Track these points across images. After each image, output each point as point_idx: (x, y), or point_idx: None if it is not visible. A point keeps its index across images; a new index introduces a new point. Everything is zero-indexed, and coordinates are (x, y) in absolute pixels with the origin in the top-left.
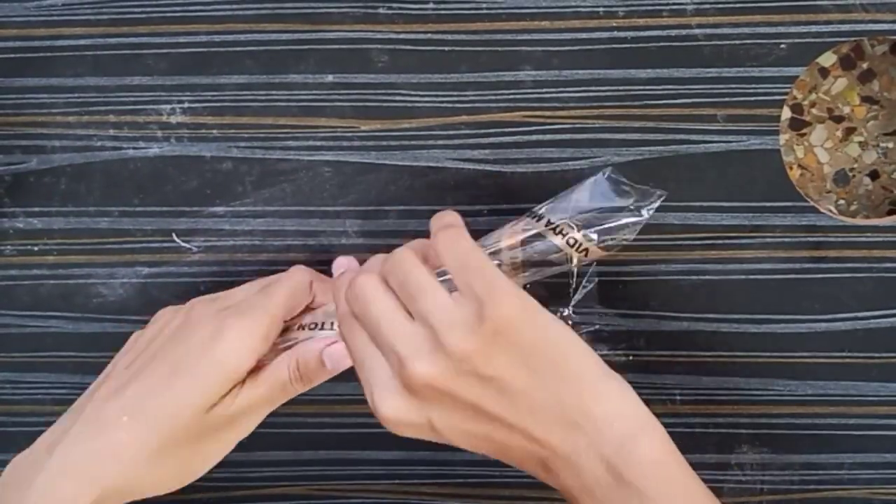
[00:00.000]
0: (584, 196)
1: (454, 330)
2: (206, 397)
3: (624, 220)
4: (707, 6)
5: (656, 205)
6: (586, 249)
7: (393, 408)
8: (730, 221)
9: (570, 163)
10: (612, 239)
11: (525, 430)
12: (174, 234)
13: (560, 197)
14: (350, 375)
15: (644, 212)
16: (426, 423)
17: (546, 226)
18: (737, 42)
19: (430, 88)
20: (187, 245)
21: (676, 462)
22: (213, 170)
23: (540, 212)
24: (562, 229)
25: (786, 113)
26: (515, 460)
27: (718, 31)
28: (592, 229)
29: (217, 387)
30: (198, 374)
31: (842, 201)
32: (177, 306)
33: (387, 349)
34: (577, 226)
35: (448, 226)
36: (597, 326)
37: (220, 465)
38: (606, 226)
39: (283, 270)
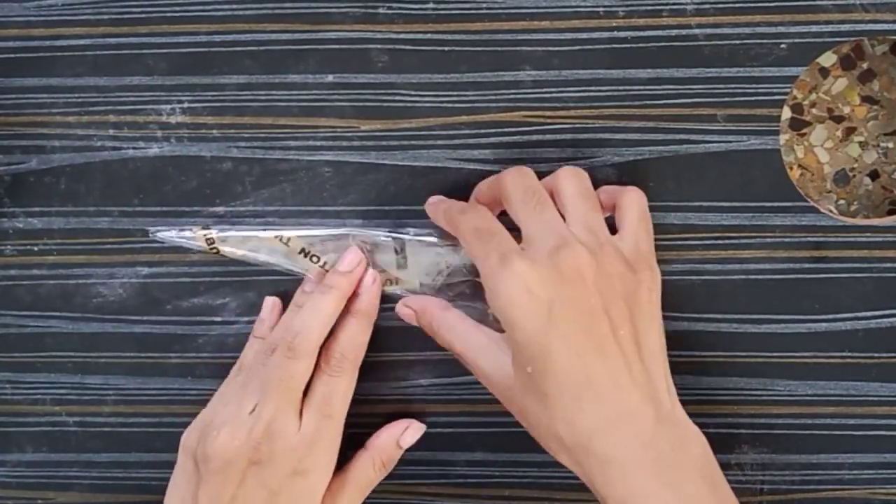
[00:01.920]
0: None
1: (612, 243)
2: None
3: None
4: (707, 6)
5: None
6: None
7: (524, 268)
8: (730, 221)
9: (570, 163)
10: None
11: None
12: (175, 231)
13: None
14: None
15: None
16: (546, 301)
17: None
18: (737, 42)
19: (430, 88)
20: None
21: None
22: (213, 170)
23: None
24: None
25: (786, 113)
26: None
27: (718, 30)
28: None
29: None
30: None
31: (842, 201)
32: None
33: (543, 226)
34: None
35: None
36: None
37: None
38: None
39: (282, 270)
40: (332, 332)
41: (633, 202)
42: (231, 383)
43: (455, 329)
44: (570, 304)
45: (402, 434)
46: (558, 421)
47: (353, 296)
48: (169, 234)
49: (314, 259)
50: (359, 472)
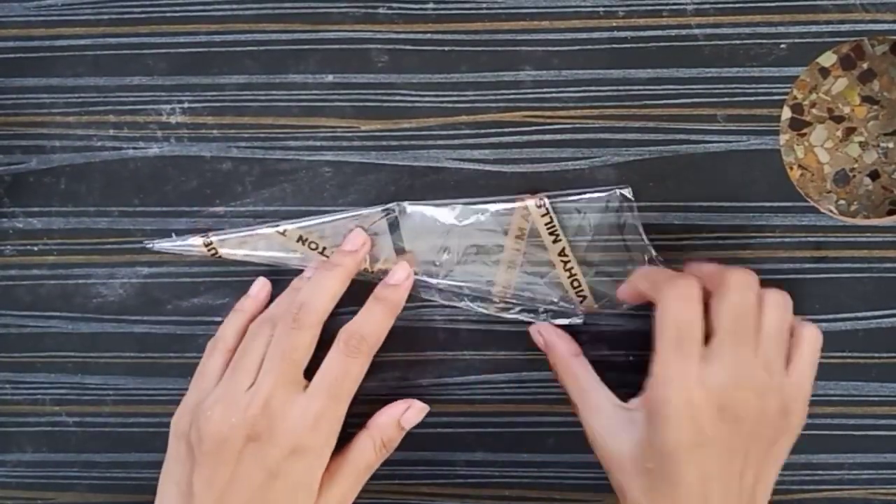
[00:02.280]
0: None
1: (779, 389)
2: None
3: None
4: (707, 6)
5: None
6: None
7: (699, 382)
8: (730, 221)
9: (569, 163)
10: None
11: None
12: (174, 234)
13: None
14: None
15: None
16: (704, 425)
17: None
18: (737, 42)
19: (430, 88)
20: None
21: None
22: (213, 170)
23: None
24: None
25: (786, 113)
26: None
27: (718, 30)
28: None
29: None
30: None
31: (842, 201)
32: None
33: (734, 356)
34: None
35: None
36: None
37: None
38: None
39: (282, 270)
40: (354, 317)
41: (812, 339)
42: (214, 361)
43: (577, 380)
44: (719, 437)
45: (404, 414)
46: None
47: (382, 285)
48: (166, 245)
49: (312, 246)
50: (358, 453)
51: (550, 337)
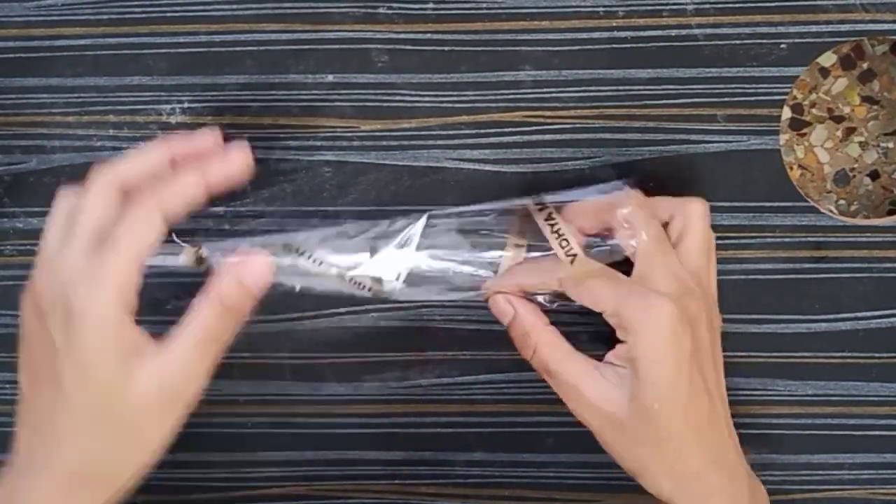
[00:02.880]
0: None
1: (710, 298)
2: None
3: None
4: (707, 6)
5: None
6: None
7: (671, 307)
8: (730, 221)
9: (569, 163)
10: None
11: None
12: (174, 235)
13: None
14: (351, 376)
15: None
16: (689, 342)
17: None
18: (737, 42)
19: (430, 88)
20: (187, 245)
21: None
22: None
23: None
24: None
25: (786, 113)
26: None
27: (718, 30)
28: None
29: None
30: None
31: (842, 201)
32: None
33: (666, 269)
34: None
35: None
36: None
37: (220, 465)
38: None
39: None
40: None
41: (696, 215)
42: None
43: (553, 348)
44: (697, 350)
45: (241, 267)
46: (672, 460)
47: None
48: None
49: (298, 251)
50: (194, 316)
51: (519, 306)
